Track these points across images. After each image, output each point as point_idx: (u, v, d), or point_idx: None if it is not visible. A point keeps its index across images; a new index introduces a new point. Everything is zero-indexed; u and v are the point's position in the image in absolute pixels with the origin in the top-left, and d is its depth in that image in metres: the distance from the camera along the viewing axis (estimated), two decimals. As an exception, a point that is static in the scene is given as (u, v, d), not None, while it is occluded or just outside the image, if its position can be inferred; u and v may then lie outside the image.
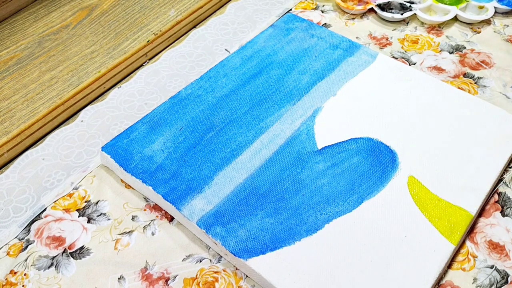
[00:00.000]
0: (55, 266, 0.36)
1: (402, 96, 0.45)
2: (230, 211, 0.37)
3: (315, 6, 0.57)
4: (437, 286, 0.35)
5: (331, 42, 0.50)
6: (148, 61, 0.53)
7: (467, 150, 0.40)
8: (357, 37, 0.53)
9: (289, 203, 0.37)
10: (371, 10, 0.56)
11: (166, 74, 0.50)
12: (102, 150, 0.41)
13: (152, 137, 0.42)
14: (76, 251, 0.37)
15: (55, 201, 0.40)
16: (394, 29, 0.54)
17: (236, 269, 0.36)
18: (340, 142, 0.41)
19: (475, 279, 0.35)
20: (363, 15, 0.56)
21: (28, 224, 0.39)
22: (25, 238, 0.38)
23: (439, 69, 0.49)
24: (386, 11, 0.54)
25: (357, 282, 0.33)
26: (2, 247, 0.38)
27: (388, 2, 0.55)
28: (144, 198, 0.40)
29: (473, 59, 0.50)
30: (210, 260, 0.36)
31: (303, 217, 0.36)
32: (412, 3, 0.55)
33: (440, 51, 0.51)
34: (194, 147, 0.41)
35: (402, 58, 0.51)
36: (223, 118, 0.43)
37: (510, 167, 0.41)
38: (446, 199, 0.37)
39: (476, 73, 0.49)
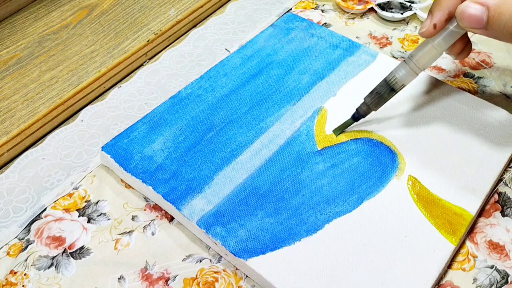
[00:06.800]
0: (55, 266, 0.36)
1: (402, 95, 0.45)
2: (230, 211, 0.37)
3: (315, 6, 0.57)
4: (437, 286, 0.35)
5: (331, 42, 0.50)
6: (148, 60, 0.53)
7: (467, 150, 0.40)
8: (357, 37, 0.53)
9: (289, 203, 0.37)
10: (371, 9, 0.56)
11: (166, 73, 0.50)
12: (102, 150, 0.41)
13: (152, 137, 0.42)
14: (76, 251, 0.37)
15: (55, 201, 0.40)
16: (394, 29, 0.54)
17: (236, 269, 0.36)
18: (340, 142, 0.41)
19: (475, 279, 0.35)
20: (363, 14, 0.56)
21: (28, 224, 0.39)
22: (25, 238, 0.38)
23: (439, 69, 0.49)
24: (386, 11, 0.54)
25: (357, 282, 0.33)
26: (2, 247, 0.38)
27: (388, 1, 0.55)
28: (144, 198, 0.40)
29: (473, 58, 0.50)
30: (210, 260, 0.36)
31: (303, 217, 0.36)
32: (412, 2, 0.55)
33: (440, 50, 0.51)
34: (194, 147, 0.41)
35: (402, 57, 0.51)
36: (223, 118, 0.43)
37: (510, 167, 0.41)
38: (446, 199, 0.37)
39: (476, 73, 0.49)
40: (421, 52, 0.38)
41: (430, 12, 0.37)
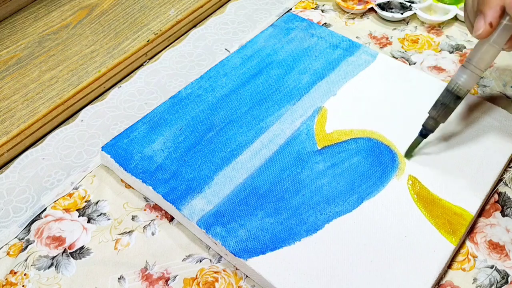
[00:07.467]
0: (55, 266, 0.36)
1: (402, 96, 0.45)
2: (230, 211, 0.37)
3: (315, 6, 0.57)
4: (437, 286, 0.35)
5: (331, 42, 0.50)
6: (148, 60, 0.53)
7: (467, 150, 0.40)
8: (357, 37, 0.53)
9: (289, 203, 0.37)
10: (371, 9, 0.56)
11: (166, 73, 0.50)
12: (102, 150, 0.41)
13: (152, 137, 0.42)
14: (76, 251, 0.37)
15: (55, 201, 0.40)
16: (394, 29, 0.54)
17: (236, 269, 0.36)
18: (340, 142, 0.41)
19: (475, 279, 0.35)
20: (363, 14, 0.56)
21: (28, 224, 0.39)
22: (25, 238, 0.38)
23: (439, 69, 0.49)
24: (386, 11, 0.54)
25: (357, 282, 0.33)
26: (2, 247, 0.38)
27: (388, 1, 0.55)
28: (144, 198, 0.40)
29: (473, 58, 0.50)
30: (210, 260, 0.36)
31: (303, 217, 0.36)
32: (412, 2, 0.55)
33: (440, 50, 0.51)
34: (194, 147, 0.41)
35: (402, 57, 0.51)
36: (223, 118, 0.43)
37: (510, 167, 0.41)
38: (446, 199, 0.37)
39: (476, 73, 0.49)
40: (479, 53, 0.37)
41: (480, 12, 0.36)
